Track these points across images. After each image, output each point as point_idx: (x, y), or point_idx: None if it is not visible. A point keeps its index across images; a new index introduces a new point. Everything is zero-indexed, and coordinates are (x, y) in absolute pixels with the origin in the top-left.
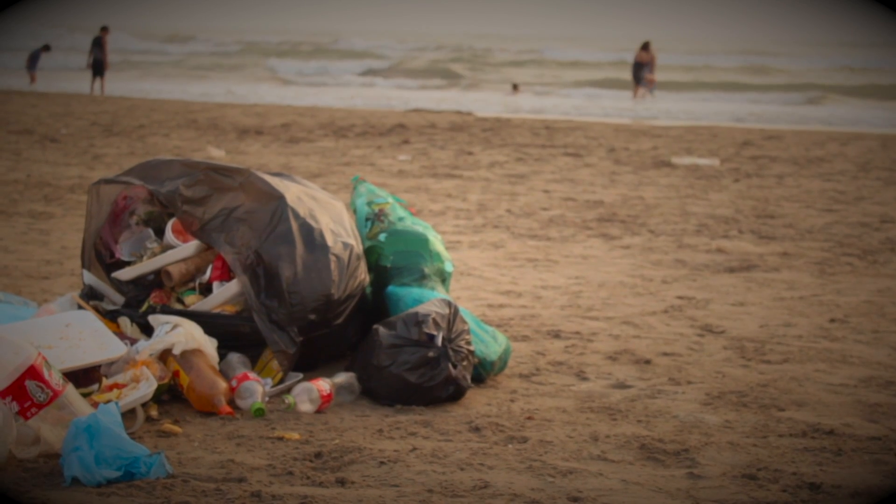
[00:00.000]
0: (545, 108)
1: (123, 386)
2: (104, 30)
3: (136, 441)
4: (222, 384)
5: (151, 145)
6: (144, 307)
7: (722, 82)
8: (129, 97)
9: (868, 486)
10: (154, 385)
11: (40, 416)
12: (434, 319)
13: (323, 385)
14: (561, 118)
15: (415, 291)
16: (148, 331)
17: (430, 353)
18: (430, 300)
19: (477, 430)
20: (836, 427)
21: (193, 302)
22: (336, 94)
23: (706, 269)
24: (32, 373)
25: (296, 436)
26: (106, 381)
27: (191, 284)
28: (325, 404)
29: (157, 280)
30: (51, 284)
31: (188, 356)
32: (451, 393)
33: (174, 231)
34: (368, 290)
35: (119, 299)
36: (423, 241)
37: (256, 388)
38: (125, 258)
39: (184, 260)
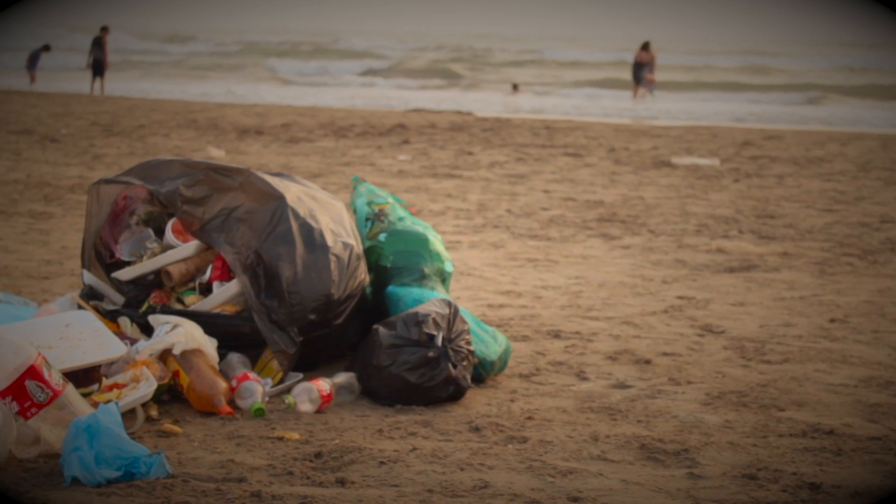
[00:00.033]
0: (545, 108)
1: (123, 386)
2: (104, 30)
3: (136, 441)
4: (222, 384)
5: (151, 145)
6: (144, 307)
7: (722, 82)
8: (129, 97)
9: (868, 486)
10: (154, 385)
11: (40, 416)
12: (434, 319)
13: (323, 385)
14: (561, 118)
15: (415, 291)
16: (148, 331)
17: (430, 353)
18: (430, 300)
19: (477, 430)
20: (836, 427)
21: (193, 302)
22: (336, 95)
23: (706, 269)
24: (32, 373)
25: (296, 436)
26: (106, 381)
27: (191, 284)
28: (325, 404)
29: (157, 280)
30: (51, 284)
31: (188, 356)
32: (451, 393)
33: (174, 231)
34: (368, 290)
35: (119, 299)
36: (423, 241)
37: (256, 388)
38: (125, 258)
39: (184, 260)
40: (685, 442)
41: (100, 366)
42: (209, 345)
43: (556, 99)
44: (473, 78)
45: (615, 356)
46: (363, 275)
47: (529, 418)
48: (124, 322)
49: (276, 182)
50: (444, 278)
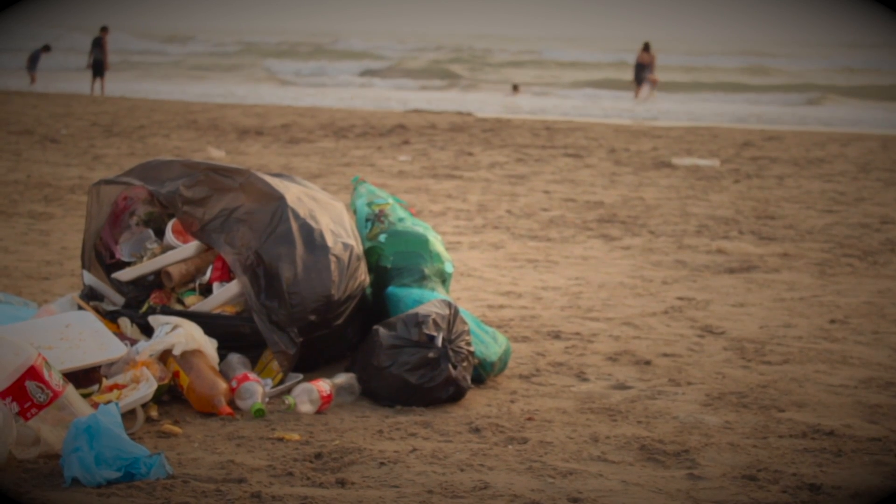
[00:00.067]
0: (545, 108)
1: (123, 386)
2: (104, 30)
3: (136, 442)
4: (222, 385)
5: (152, 146)
6: (144, 308)
7: (722, 83)
8: (129, 98)
9: (868, 487)
10: (154, 386)
11: (40, 417)
12: (434, 320)
13: (323, 386)
14: (561, 119)
15: (415, 292)
16: (148, 331)
17: (431, 354)
18: (430, 301)
19: (477, 430)
20: (837, 428)
21: (193, 303)
22: (336, 95)
23: (706, 269)
24: (32, 373)
25: (296, 436)
26: (106, 382)
27: (191, 285)
28: (325, 405)
29: (157, 281)
30: (51, 285)
31: (188, 357)
32: (452, 394)
33: (174, 232)
34: (368, 291)
35: (119, 300)
36: (423, 241)
37: (256, 388)
38: (125, 259)
39: (184, 261)
40: (685, 443)
41: (100, 366)
42: (209, 345)
43: (556, 99)
44: (473, 78)
45: (615, 357)
46: (363, 275)
47: (529, 419)
48: (124, 323)
49: (277, 183)
50: (444, 279)
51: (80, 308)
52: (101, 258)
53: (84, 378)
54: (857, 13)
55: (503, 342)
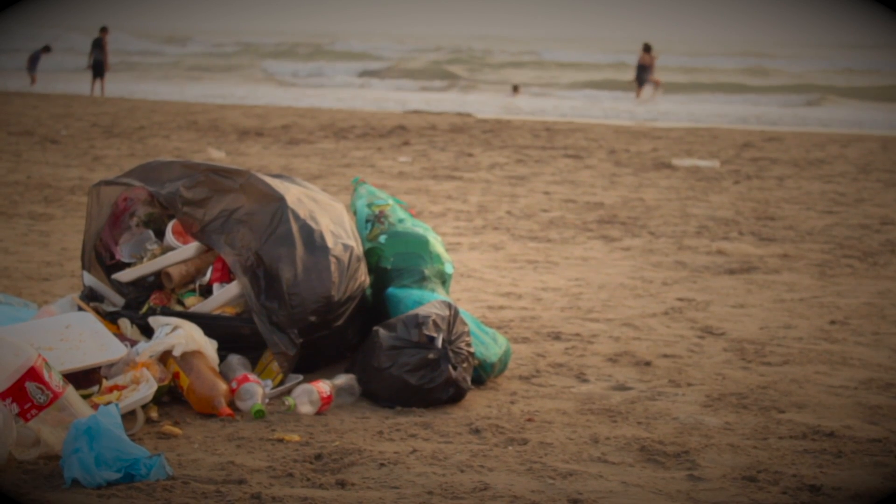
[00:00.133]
0: (545, 109)
1: (123, 387)
2: (104, 30)
3: (136, 443)
4: (222, 386)
5: (152, 147)
6: (145, 309)
7: (722, 84)
8: (129, 98)
9: (868, 488)
10: (154, 387)
11: (40, 418)
12: (434, 321)
13: (323, 387)
14: (561, 120)
15: (415, 293)
16: (148, 332)
17: (431, 355)
18: (430, 302)
19: (477, 431)
20: (837, 429)
21: (193, 303)
22: (336, 96)
23: (706, 270)
24: (32, 374)
25: (296, 437)
26: (106, 383)
27: (191, 286)
28: (325, 406)
29: (157, 282)
30: (51, 286)
31: (188, 358)
32: (452, 395)
33: (174, 232)
34: (369, 292)
35: (119, 301)
36: (423, 242)
37: (256, 389)
38: (125, 260)
39: (184, 261)
40: (685, 444)
41: (100, 367)
42: (209, 346)
43: (556, 100)
44: (472, 79)
45: (615, 358)
46: (363, 276)
47: (529, 420)
48: (124, 324)
49: (277, 183)
50: (444, 280)
51: (80, 309)
52: (102, 259)
53: (84, 379)
54: (857, 14)
55: (503, 343)
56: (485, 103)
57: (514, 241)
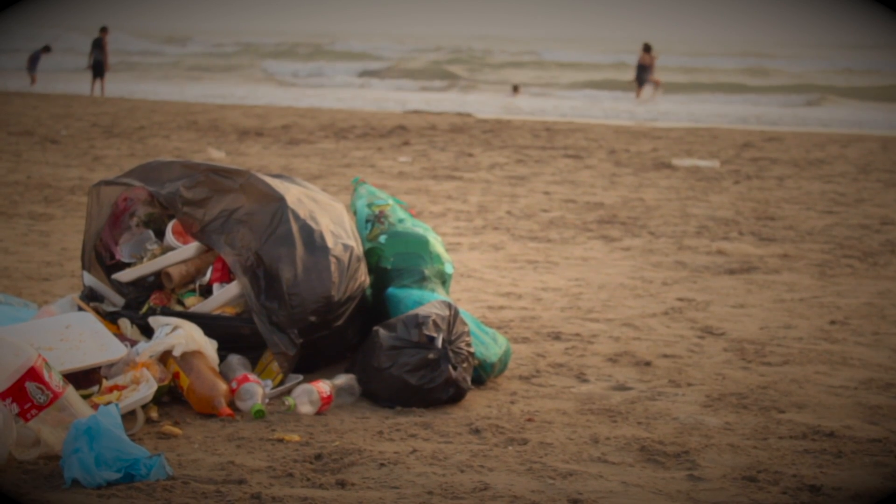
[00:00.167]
0: (545, 109)
1: (123, 388)
2: (103, 30)
3: (136, 443)
4: (222, 386)
5: (152, 147)
6: (145, 309)
7: (722, 84)
8: (129, 98)
9: (868, 488)
10: (154, 387)
11: (40, 418)
12: (434, 321)
13: (323, 387)
14: (561, 120)
15: (415, 293)
16: (148, 332)
17: (431, 355)
18: (430, 302)
19: (477, 431)
20: (837, 429)
21: (194, 304)
22: (336, 96)
23: (706, 270)
24: (32, 374)
25: (296, 437)
26: (106, 383)
27: (191, 286)
28: (325, 406)
29: (157, 282)
30: (51, 286)
31: (188, 358)
32: (452, 395)
33: (174, 233)
34: (369, 292)
35: (119, 301)
36: (423, 242)
37: (256, 389)
38: (125, 260)
39: (184, 261)
40: (685, 444)
41: (100, 367)
42: (209, 346)
43: (556, 100)
44: (472, 79)
45: (615, 358)
46: (363, 276)
47: (529, 420)
48: (124, 324)
49: (277, 184)
50: (444, 280)
51: (80, 309)
52: (102, 259)
53: (84, 379)
54: (857, 14)
55: (503, 343)
56: (485, 103)
57: (514, 241)
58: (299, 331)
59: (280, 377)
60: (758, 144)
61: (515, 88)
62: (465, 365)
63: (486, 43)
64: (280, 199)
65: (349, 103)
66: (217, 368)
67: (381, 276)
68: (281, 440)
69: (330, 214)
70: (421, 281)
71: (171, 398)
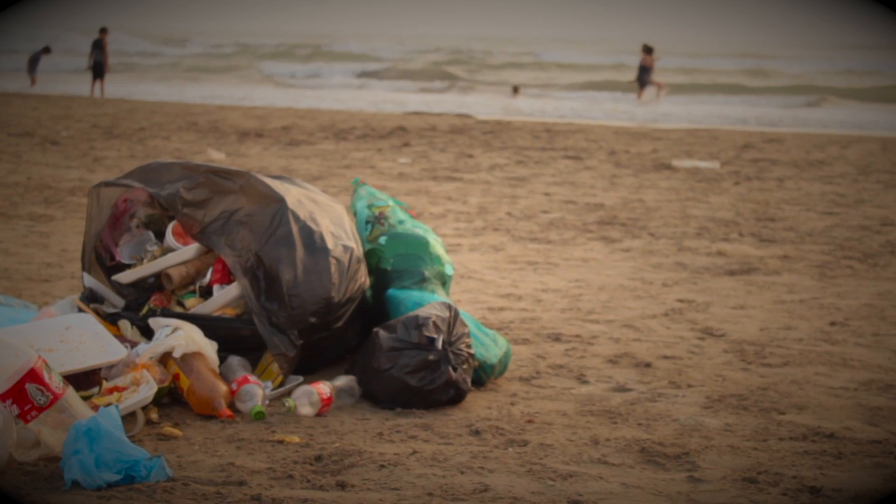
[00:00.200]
0: (545, 110)
1: (124, 389)
2: (103, 31)
3: (136, 444)
4: (222, 387)
5: (152, 148)
6: (145, 310)
7: (722, 85)
8: (129, 99)
9: (868, 489)
10: (154, 388)
11: (40, 420)
12: (434, 322)
13: (323, 388)
14: (561, 121)
15: (415, 294)
16: (148, 334)
17: (431, 357)
18: (430, 303)
19: (477, 433)
20: (837, 430)
21: (194, 305)
22: (336, 97)
23: (706, 272)
24: (32, 376)
25: (296, 439)
26: (106, 384)
27: (191, 287)
28: (325, 407)
29: (157, 283)
30: (51, 287)
31: (188, 359)
32: (452, 396)
33: (174, 234)
34: (369, 294)
35: (119, 302)
36: (423, 244)
37: (256, 391)
38: (125, 261)
39: (184, 263)
40: (685, 445)
41: (100, 369)
42: (209, 348)
43: (557, 101)
44: (471, 80)
45: (615, 359)
46: (363, 278)
47: (530, 421)
48: (124, 325)
49: (277, 185)
50: (444, 281)
51: (80, 310)
52: (102, 260)
53: (84, 380)
54: (857, 15)
55: (503, 344)
56: (484, 104)
57: (514, 242)
58: (299, 332)
59: (280, 378)
60: (758, 145)
61: (515, 89)
62: (465, 366)
63: (486, 44)
64: (280, 201)
65: (349, 104)
66: (217, 370)
67: (382, 278)
68: (281, 441)
69: (330, 216)
70: (421, 282)
71: (171, 399)
